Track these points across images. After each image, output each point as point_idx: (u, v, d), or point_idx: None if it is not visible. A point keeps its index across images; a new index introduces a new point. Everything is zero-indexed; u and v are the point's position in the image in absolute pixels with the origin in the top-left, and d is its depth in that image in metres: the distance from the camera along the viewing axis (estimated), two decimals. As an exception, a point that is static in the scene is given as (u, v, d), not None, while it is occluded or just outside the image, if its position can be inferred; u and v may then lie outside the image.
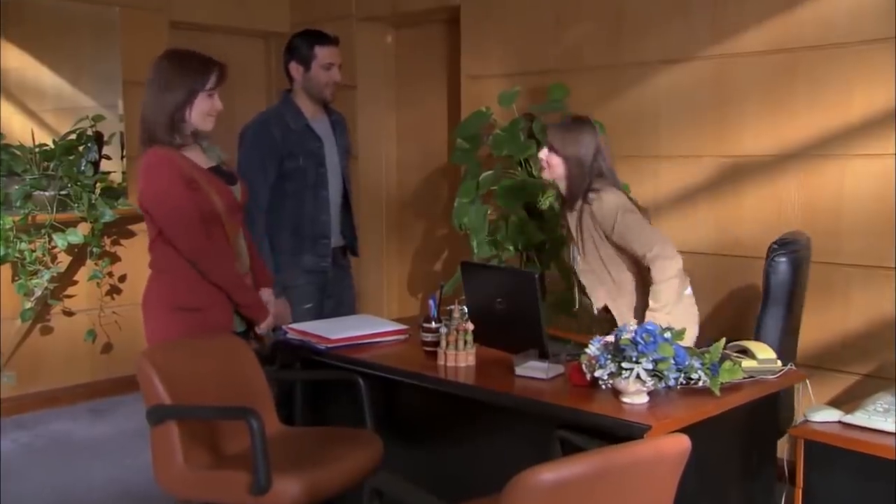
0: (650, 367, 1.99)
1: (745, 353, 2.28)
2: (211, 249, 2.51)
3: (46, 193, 4.00)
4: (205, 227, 2.49)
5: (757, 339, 2.56)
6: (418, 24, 4.84)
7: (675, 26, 3.49)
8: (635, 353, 1.99)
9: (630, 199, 2.74)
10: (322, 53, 3.15)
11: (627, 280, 2.70)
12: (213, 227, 2.52)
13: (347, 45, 4.72)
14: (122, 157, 4.40)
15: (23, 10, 4.21)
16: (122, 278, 4.34)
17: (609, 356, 2.04)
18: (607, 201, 2.64)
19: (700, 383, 2.09)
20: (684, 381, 2.08)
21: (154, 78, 2.50)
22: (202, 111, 2.52)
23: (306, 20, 4.77)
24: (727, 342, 2.23)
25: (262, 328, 2.66)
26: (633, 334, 2.02)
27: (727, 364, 2.12)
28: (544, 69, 3.91)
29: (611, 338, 2.09)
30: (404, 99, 4.93)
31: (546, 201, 3.58)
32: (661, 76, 3.54)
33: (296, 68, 3.14)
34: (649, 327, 2.02)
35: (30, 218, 3.92)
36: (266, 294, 2.73)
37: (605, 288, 2.74)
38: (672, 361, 2.01)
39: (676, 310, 2.58)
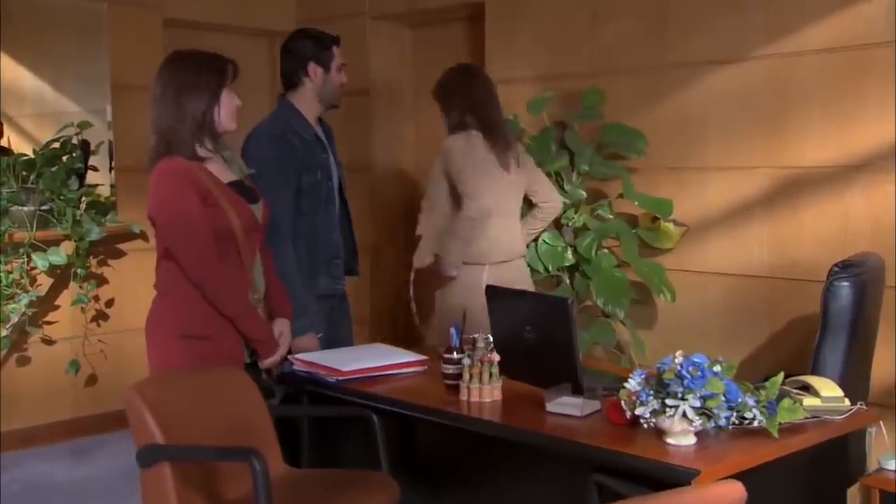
0: (698, 404, 2.00)
1: (807, 389, 2.27)
2: (221, 273, 2.53)
3: (25, 209, 4.02)
4: (217, 248, 2.52)
5: (814, 372, 2.56)
6: (438, 23, 4.89)
7: (725, 22, 3.51)
8: (681, 389, 2.00)
9: None
10: (338, 54, 3.20)
11: None
12: (226, 249, 2.55)
13: (360, 46, 4.80)
14: (111, 169, 4.43)
15: (1, 4, 4.23)
16: (110, 303, 4.38)
17: (651, 391, 2.04)
18: None
19: (755, 423, 2.09)
20: (737, 421, 2.08)
21: (168, 84, 2.52)
22: (229, 110, 2.57)
23: (314, 18, 4.84)
24: (786, 377, 2.23)
25: (266, 364, 2.68)
26: (679, 367, 2.02)
27: (786, 402, 2.12)
28: (578, 72, 3.94)
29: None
30: (423, 105, 4.96)
31: (580, 219, 3.62)
32: (710, 78, 3.57)
33: (315, 71, 3.16)
34: (696, 360, 2.03)
35: (6, 236, 3.94)
36: (282, 326, 2.75)
37: None
38: (723, 398, 2.02)
39: None
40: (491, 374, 2.42)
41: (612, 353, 3.66)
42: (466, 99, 3.33)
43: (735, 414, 2.06)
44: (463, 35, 4.84)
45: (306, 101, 3.17)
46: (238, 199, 2.60)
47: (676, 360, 2.04)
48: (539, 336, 2.37)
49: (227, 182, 2.62)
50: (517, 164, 3.33)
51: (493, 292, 2.58)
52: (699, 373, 2.00)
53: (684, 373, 2.01)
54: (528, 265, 3.53)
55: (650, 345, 3.58)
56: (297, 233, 3.12)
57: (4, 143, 4.33)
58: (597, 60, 3.89)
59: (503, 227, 3.30)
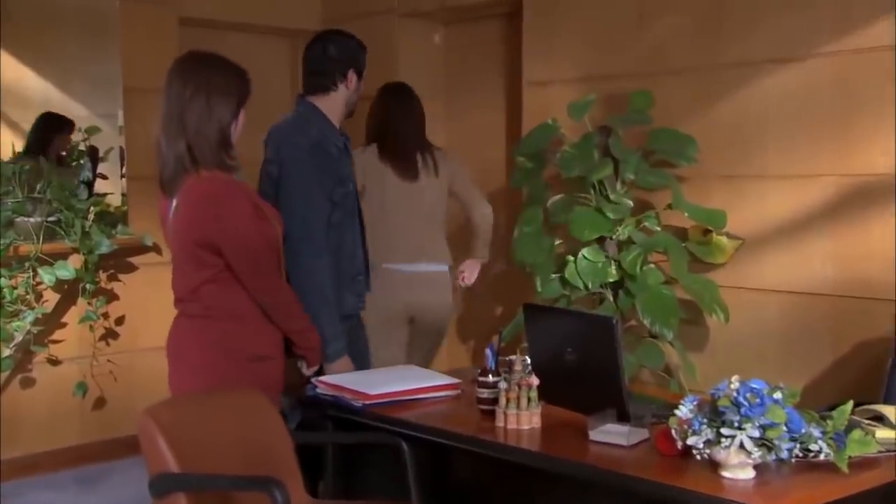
0: (757, 434, 1.98)
1: (880, 420, 2.25)
2: (289, 291, 2.66)
3: (31, 220, 4.06)
4: (276, 263, 2.63)
5: (886, 401, 2.53)
6: (471, 21, 4.92)
7: (787, 17, 3.49)
8: (738, 417, 1.99)
9: None
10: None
11: None
12: (277, 262, 2.66)
13: (388, 46, 4.83)
14: (122, 177, 4.48)
15: (1, 1, 4.27)
16: (120, 320, 4.43)
17: (705, 420, 2.03)
18: None
19: (821, 457, 2.07)
20: (801, 454, 2.07)
21: (199, 84, 2.54)
22: (240, 128, 2.63)
23: (339, 16, 4.88)
24: (855, 405, 2.21)
25: (311, 371, 2.81)
26: (735, 394, 2.01)
27: (856, 433, 2.10)
28: (623, 73, 3.94)
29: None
30: (454, 109, 4.99)
31: (624, 231, 3.61)
32: (770, 78, 3.55)
33: (352, 77, 3.18)
34: (754, 386, 2.02)
35: (11, 249, 3.99)
36: None
37: None
38: (784, 428, 2.00)
39: None
40: (529, 400, 2.42)
41: (660, 378, 3.65)
42: (375, 117, 3.93)
43: (798, 446, 2.05)
44: (498, 33, 4.86)
45: (335, 106, 3.17)
46: (275, 213, 2.70)
47: (732, 386, 2.03)
48: (581, 358, 2.37)
49: None
50: (429, 174, 3.84)
51: (531, 310, 2.59)
52: (758, 400, 1.99)
53: (741, 400, 1.99)
54: (567, 281, 3.59)
55: (701, 368, 3.56)
56: (327, 248, 3.12)
57: (7, 148, 4.37)
58: (644, 60, 3.88)
59: (397, 229, 3.78)
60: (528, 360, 2.50)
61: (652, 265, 3.60)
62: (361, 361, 3.24)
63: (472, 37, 4.98)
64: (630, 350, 3.50)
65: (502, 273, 4.88)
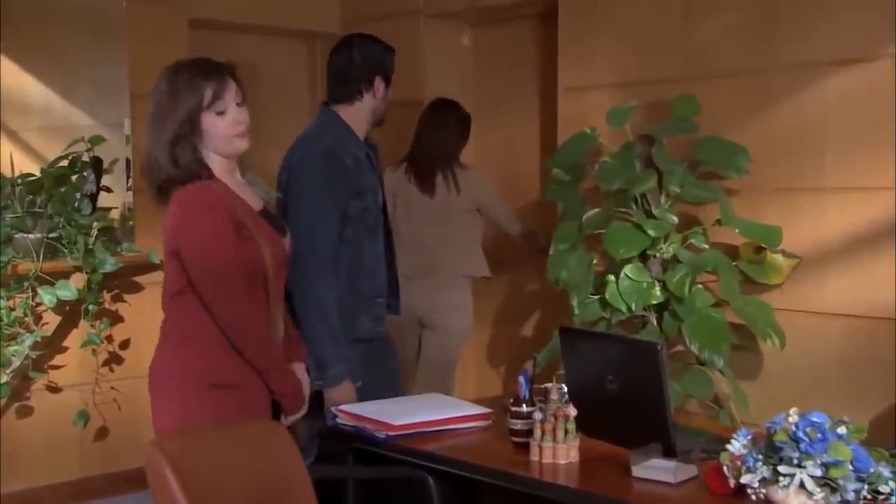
0: (819, 473, 1.96)
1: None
2: (256, 324, 2.59)
3: (31, 236, 4.07)
4: (247, 290, 2.58)
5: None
6: (503, 22, 4.94)
7: (850, 14, 3.47)
8: (797, 454, 1.97)
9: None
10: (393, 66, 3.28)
11: None
12: (255, 291, 2.61)
13: (413, 49, 4.85)
14: (129, 189, 4.51)
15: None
16: (125, 344, 4.44)
17: (760, 456, 2.02)
18: None
19: (893, 500, 2.04)
20: (869, 496, 2.04)
21: (151, 105, 2.63)
22: (219, 137, 2.60)
23: (361, 17, 4.92)
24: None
25: (289, 421, 2.72)
26: (794, 428, 1.99)
27: (932, 474, 2.07)
28: (667, 77, 3.94)
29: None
30: (484, 117, 5.00)
31: (669, 249, 3.60)
32: (830, 82, 3.53)
33: (379, 85, 3.23)
34: (815, 419, 2.00)
35: (9, 267, 4.00)
36: (298, 371, 2.78)
37: None
38: (850, 467, 1.98)
39: None
40: (567, 431, 2.42)
41: (709, 408, 3.62)
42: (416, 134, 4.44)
43: (866, 487, 2.02)
44: (531, 35, 4.87)
45: (359, 116, 3.22)
46: (271, 232, 2.66)
47: (790, 419, 2.02)
48: (623, 387, 2.37)
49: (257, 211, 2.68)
50: (449, 191, 4.39)
51: (568, 334, 2.59)
52: (819, 435, 1.97)
53: (801, 435, 1.98)
54: (607, 302, 3.58)
55: (755, 399, 3.53)
56: (338, 266, 3.16)
57: (6, 159, 4.41)
58: (690, 63, 3.88)
59: (413, 243, 4.29)
60: (565, 389, 2.50)
61: (700, 286, 3.58)
62: (391, 388, 3.26)
63: (503, 39, 4.99)
64: (676, 378, 3.47)
65: (536, 293, 4.88)
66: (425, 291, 4.36)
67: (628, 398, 2.35)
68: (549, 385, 2.50)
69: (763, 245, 3.57)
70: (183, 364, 2.61)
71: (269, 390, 2.66)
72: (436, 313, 4.44)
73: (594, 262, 3.72)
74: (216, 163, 2.64)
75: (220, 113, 2.60)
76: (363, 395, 3.15)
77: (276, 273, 2.65)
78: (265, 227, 2.64)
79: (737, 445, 2.07)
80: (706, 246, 3.62)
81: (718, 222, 3.60)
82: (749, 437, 2.08)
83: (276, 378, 2.64)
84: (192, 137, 2.58)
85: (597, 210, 3.76)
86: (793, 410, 2.04)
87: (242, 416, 2.56)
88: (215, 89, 2.59)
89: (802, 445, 1.97)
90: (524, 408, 2.53)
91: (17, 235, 4.07)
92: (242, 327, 2.57)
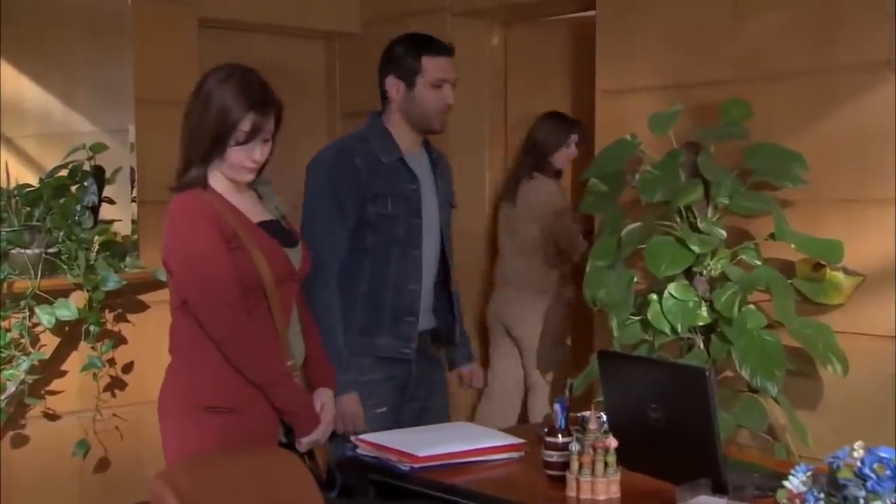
0: (887, 512, 1.95)
1: None
2: (248, 331, 2.62)
3: (29, 251, 4.09)
4: (244, 302, 2.60)
5: None
6: (535, 20, 4.94)
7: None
8: (863, 493, 1.96)
9: None
10: (431, 66, 3.28)
11: None
12: (253, 303, 2.65)
13: (439, 49, 4.87)
14: (133, 200, 4.53)
15: None
16: (128, 368, 4.45)
17: (822, 494, 2.00)
18: None
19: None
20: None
21: (186, 111, 2.71)
22: (234, 165, 2.69)
23: (382, 16, 4.94)
24: None
25: (306, 443, 2.75)
26: (859, 464, 1.98)
27: None
28: (715, 79, 3.93)
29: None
30: (516, 122, 5.01)
31: (717, 266, 3.58)
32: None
33: (395, 84, 3.29)
34: (883, 454, 1.98)
35: (5, 285, 4.01)
36: (324, 397, 2.83)
37: None
38: (924, 507, 1.96)
39: None
40: (606, 465, 2.40)
41: (763, 441, 3.60)
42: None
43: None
44: (567, 34, 4.89)
45: (394, 120, 3.32)
46: (269, 243, 2.70)
47: (855, 454, 2.00)
48: (668, 416, 2.37)
49: (259, 221, 2.72)
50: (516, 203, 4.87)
51: (607, 358, 2.59)
52: (888, 472, 1.96)
53: (867, 471, 1.96)
54: (649, 324, 3.59)
55: (814, 430, 3.50)
56: (357, 274, 3.24)
57: (2, 169, 4.44)
58: (741, 64, 3.87)
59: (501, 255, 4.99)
60: (605, 418, 2.50)
61: (751, 306, 3.55)
62: (436, 416, 3.31)
63: (536, 39, 5.01)
64: (726, 407, 3.45)
65: (572, 314, 4.87)
66: (499, 299, 4.96)
67: (674, 428, 2.35)
68: (586, 414, 2.50)
69: (822, 262, 3.55)
70: (177, 386, 2.66)
71: (277, 413, 2.69)
72: (510, 316, 4.92)
73: (635, 279, 3.71)
74: (220, 177, 2.71)
75: (241, 143, 2.66)
76: (390, 422, 3.18)
77: (278, 287, 2.68)
78: (263, 238, 2.69)
79: (795, 482, 2.06)
80: (758, 262, 3.60)
81: (772, 237, 3.58)
82: (809, 474, 2.06)
83: (279, 394, 2.67)
84: (212, 157, 2.67)
85: (637, 224, 3.75)
86: (857, 444, 2.02)
87: (239, 443, 2.58)
88: (253, 124, 2.65)
89: (869, 483, 1.96)
90: (560, 438, 2.53)
91: (13, 251, 4.08)
92: (230, 334, 2.61)
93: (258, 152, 2.68)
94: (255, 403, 2.65)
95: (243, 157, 2.67)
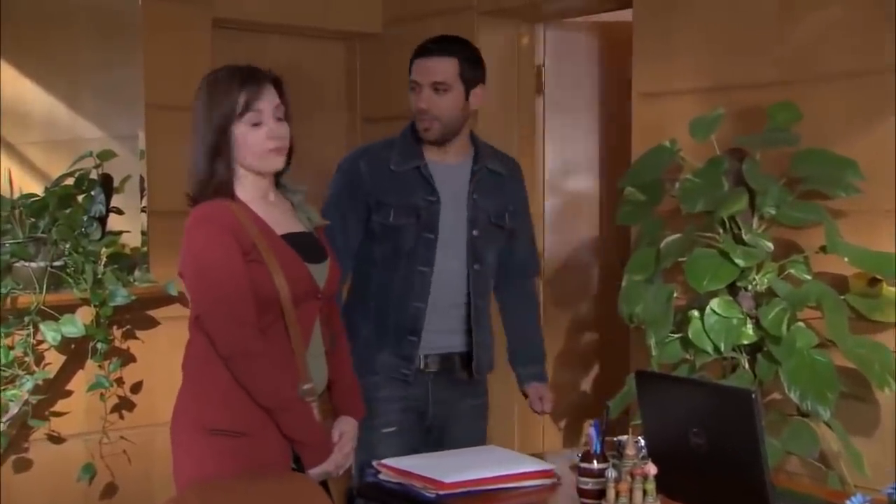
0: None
1: None
2: (258, 350, 2.62)
3: (33, 265, 4.11)
4: (258, 319, 2.62)
5: None
6: (568, 19, 4.94)
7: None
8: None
9: None
10: (412, 70, 3.39)
11: None
12: (268, 321, 2.65)
13: (466, 50, 4.88)
14: (143, 210, 4.54)
15: None
16: (137, 387, 4.46)
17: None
18: None
19: None
20: None
21: (193, 112, 2.75)
22: (252, 151, 2.70)
23: (406, 15, 4.95)
24: None
25: (314, 475, 2.75)
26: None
27: None
28: (761, 81, 3.91)
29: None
30: (549, 127, 5.00)
31: (764, 280, 3.56)
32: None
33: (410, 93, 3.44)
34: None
35: (8, 300, 4.03)
36: (345, 426, 2.85)
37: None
38: None
39: None
40: (645, 493, 2.40)
41: (815, 468, 3.57)
42: None
43: None
44: (601, 33, 4.88)
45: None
46: (290, 257, 2.71)
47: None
48: (711, 441, 2.35)
49: (285, 233, 2.73)
50: None
51: (646, 379, 2.58)
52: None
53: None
54: (690, 342, 3.58)
55: (870, 457, 3.46)
56: (365, 286, 3.37)
57: (4, 178, 4.47)
58: (789, 64, 3.85)
59: None
60: (643, 443, 2.50)
61: (801, 324, 3.53)
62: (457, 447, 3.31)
63: (568, 39, 5.00)
64: (774, 432, 3.43)
65: (606, 331, 4.85)
66: None
67: (717, 454, 2.34)
68: (623, 438, 2.53)
69: (877, 276, 3.52)
70: (186, 406, 2.68)
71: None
72: None
73: (674, 295, 3.70)
74: (247, 184, 2.73)
75: (256, 125, 2.68)
76: (401, 445, 3.22)
77: (297, 305, 2.68)
78: (284, 252, 2.70)
79: (850, 513, 2.04)
80: (808, 277, 3.59)
81: (823, 249, 3.56)
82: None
83: (287, 420, 2.67)
84: (227, 151, 2.69)
85: (677, 235, 3.74)
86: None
87: (249, 469, 2.59)
88: (248, 97, 2.68)
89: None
90: (595, 464, 2.53)
91: (17, 264, 4.10)
92: (238, 352, 2.61)
93: (275, 129, 2.71)
94: (267, 427, 2.65)
95: (262, 138, 2.70)
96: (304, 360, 2.73)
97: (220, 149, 2.68)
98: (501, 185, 3.49)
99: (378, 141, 3.51)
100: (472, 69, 3.43)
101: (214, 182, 2.69)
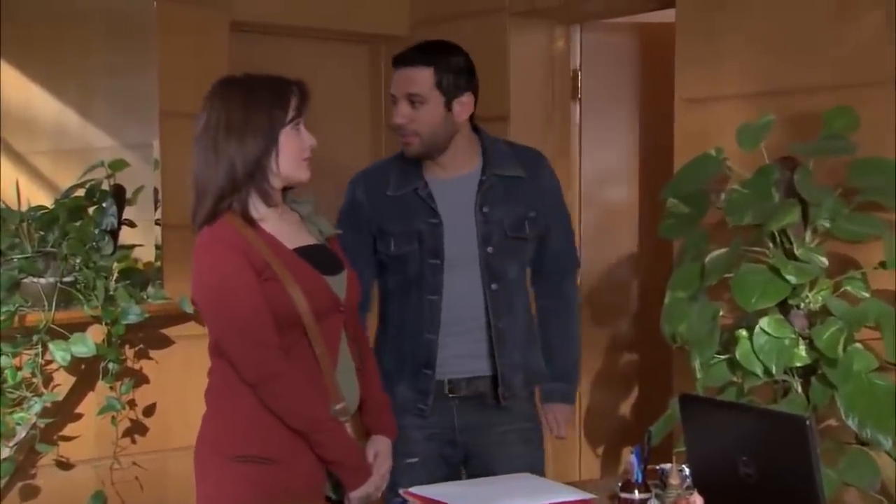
0: None
1: None
2: (284, 372, 2.63)
3: (42, 280, 4.13)
4: (280, 339, 2.62)
5: None
6: (606, 20, 4.93)
7: None
8: None
9: None
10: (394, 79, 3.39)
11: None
12: (291, 340, 2.66)
13: (496, 55, 4.88)
14: (157, 223, 4.57)
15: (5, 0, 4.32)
16: (150, 410, 4.48)
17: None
18: None
19: None
20: None
21: (209, 119, 2.71)
22: (292, 156, 2.68)
23: (435, 17, 4.96)
24: None
25: (355, 498, 2.76)
26: None
27: None
28: (815, 84, 3.90)
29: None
30: (585, 135, 5.00)
31: (818, 298, 3.54)
32: None
33: None
34: None
35: (16, 318, 4.04)
36: (379, 445, 2.85)
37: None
38: None
39: None
40: (691, 526, 2.38)
41: (875, 501, 3.53)
42: None
43: None
44: (642, 35, 4.87)
45: None
46: (306, 271, 2.71)
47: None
48: (762, 471, 2.33)
49: (297, 247, 2.74)
50: None
51: (690, 403, 2.57)
52: None
53: None
54: (738, 364, 3.55)
55: (937, 490, 3.44)
56: (385, 318, 3.44)
57: (11, 189, 4.48)
58: (846, 67, 3.83)
59: None
60: (688, 472, 2.49)
61: (858, 345, 3.50)
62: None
63: (606, 41, 4.99)
64: (830, 462, 3.41)
65: (646, 351, 4.84)
66: None
67: (768, 486, 2.32)
68: (666, 466, 2.53)
69: (941, 294, 3.51)
70: (211, 433, 2.70)
71: (323, 465, 2.70)
72: None
73: (720, 313, 3.68)
74: (254, 202, 2.73)
75: (297, 127, 2.71)
76: (425, 478, 3.19)
77: (319, 320, 2.69)
78: (299, 266, 2.70)
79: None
80: (866, 294, 3.56)
81: (882, 265, 3.53)
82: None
83: (322, 442, 2.67)
84: (267, 160, 2.68)
85: (724, 250, 3.72)
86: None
87: (280, 498, 2.60)
88: (299, 101, 2.71)
89: None
90: (636, 495, 2.52)
91: (25, 280, 4.12)
92: (264, 376, 2.62)
93: (308, 137, 2.74)
94: (298, 453, 2.66)
95: (303, 144, 2.72)
96: (333, 378, 2.73)
97: (262, 157, 2.67)
98: (518, 190, 3.42)
99: (380, 160, 3.51)
100: (454, 78, 3.33)
101: (239, 195, 2.68)
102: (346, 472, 2.73)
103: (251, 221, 2.69)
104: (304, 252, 2.74)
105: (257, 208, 2.71)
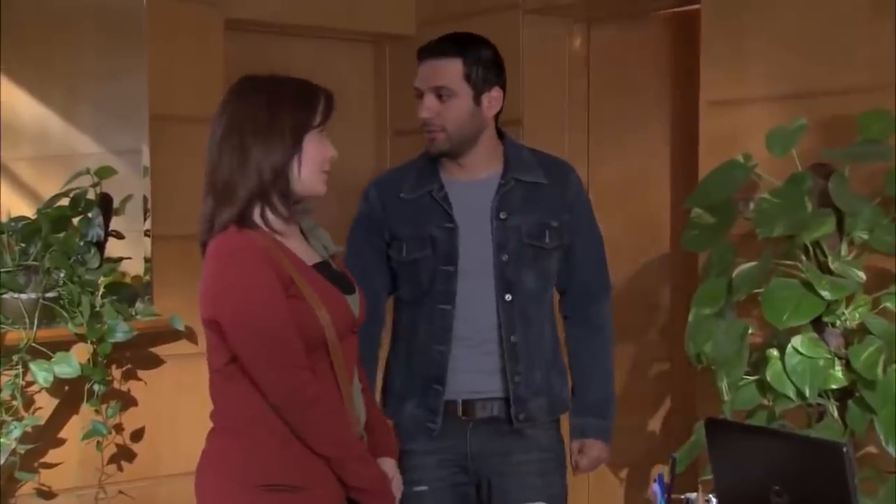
0: None
1: None
2: (316, 395, 2.63)
3: (24, 296, 4.13)
4: (308, 356, 2.62)
5: None
6: (626, 18, 4.96)
7: None
8: None
9: None
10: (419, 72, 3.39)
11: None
12: (316, 361, 2.65)
13: (510, 54, 4.82)
14: (146, 234, 4.56)
15: None
16: (137, 434, 4.47)
17: None
18: None
19: None
20: None
21: (233, 121, 2.68)
22: (314, 164, 2.70)
23: (444, 15, 4.97)
24: None
25: None
26: None
27: None
28: (849, 86, 3.90)
29: None
30: (600, 137, 5.02)
31: (855, 315, 3.53)
32: None
33: None
34: None
35: (-4, 337, 4.08)
36: (389, 468, 2.85)
37: None
38: None
39: None
40: (719, 560, 2.37)
41: (914, 532, 3.52)
42: None
43: None
44: (664, 34, 4.87)
45: None
46: (330, 290, 2.71)
47: None
48: (795, 501, 2.33)
49: (311, 265, 2.74)
50: None
51: (717, 428, 2.57)
52: None
53: None
54: (768, 386, 3.56)
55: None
56: (397, 330, 3.43)
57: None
58: (881, 67, 3.82)
59: None
60: (715, 501, 2.49)
61: (898, 366, 3.50)
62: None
63: (626, 40, 5.00)
64: (869, 492, 3.41)
65: (668, 371, 4.83)
66: None
67: (803, 516, 2.30)
68: (692, 496, 2.53)
69: None
70: (228, 461, 2.66)
71: (344, 490, 2.70)
72: None
73: (749, 331, 3.69)
74: (279, 216, 2.71)
75: (321, 133, 2.73)
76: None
77: (340, 338, 2.69)
78: (322, 284, 2.70)
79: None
80: (907, 311, 3.56)
81: (923, 280, 3.54)
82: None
83: (354, 469, 2.67)
84: (290, 166, 2.67)
85: (752, 263, 3.72)
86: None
87: None
88: (325, 107, 2.73)
89: None
90: (663, 526, 2.51)
91: (5, 295, 4.13)
92: (296, 399, 2.61)
93: (331, 147, 2.75)
94: (326, 480, 2.66)
95: (325, 153, 2.73)
96: (352, 400, 2.74)
97: (286, 161, 2.66)
98: (539, 197, 3.39)
99: (399, 164, 3.52)
100: (484, 70, 3.33)
101: (268, 200, 2.66)
102: (375, 500, 2.73)
103: (274, 232, 2.68)
104: (318, 270, 2.74)
105: (277, 219, 2.69)
